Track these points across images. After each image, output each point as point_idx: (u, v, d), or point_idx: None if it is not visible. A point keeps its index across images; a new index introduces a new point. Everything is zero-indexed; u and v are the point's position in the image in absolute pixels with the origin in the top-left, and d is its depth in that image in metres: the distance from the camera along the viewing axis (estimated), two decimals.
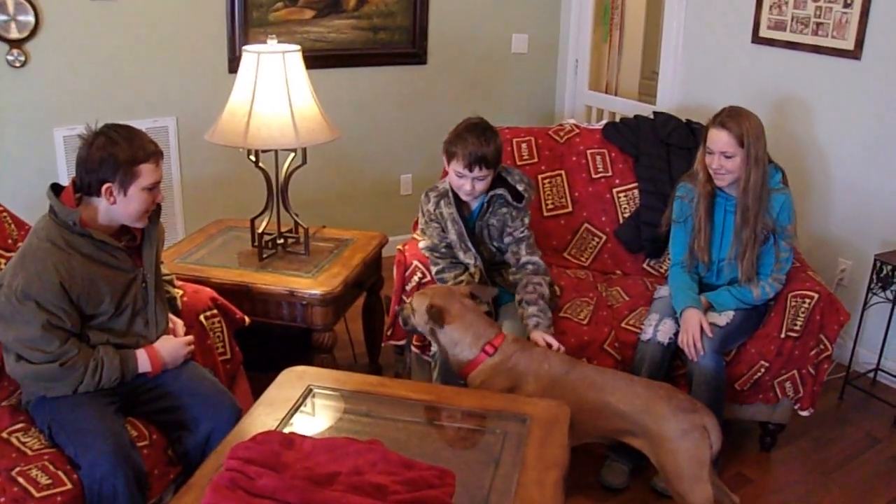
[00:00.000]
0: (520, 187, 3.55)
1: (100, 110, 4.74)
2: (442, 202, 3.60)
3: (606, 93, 6.53)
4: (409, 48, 5.77)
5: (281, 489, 2.13)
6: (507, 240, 3.57)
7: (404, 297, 3.71)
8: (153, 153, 2.81)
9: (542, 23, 6.26)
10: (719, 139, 3.42)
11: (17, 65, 4.58)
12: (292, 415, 2.71)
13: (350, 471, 2.22)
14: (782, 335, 3.53)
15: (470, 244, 3.56)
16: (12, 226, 3.34)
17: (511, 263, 3.60)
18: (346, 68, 5.53)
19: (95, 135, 2.77)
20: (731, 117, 3.43)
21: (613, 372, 3.24)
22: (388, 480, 2.20)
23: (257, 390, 3.32)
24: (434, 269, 3.63)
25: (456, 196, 3.55)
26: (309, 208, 4.06)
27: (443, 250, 3.62)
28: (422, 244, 3.70)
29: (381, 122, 5.84)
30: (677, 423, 2.96)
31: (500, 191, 3.51)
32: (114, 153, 2.71)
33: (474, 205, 3.58)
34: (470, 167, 3.38)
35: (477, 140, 3.37)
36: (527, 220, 3.58)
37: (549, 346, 3.28)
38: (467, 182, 3.43)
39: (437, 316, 3.11)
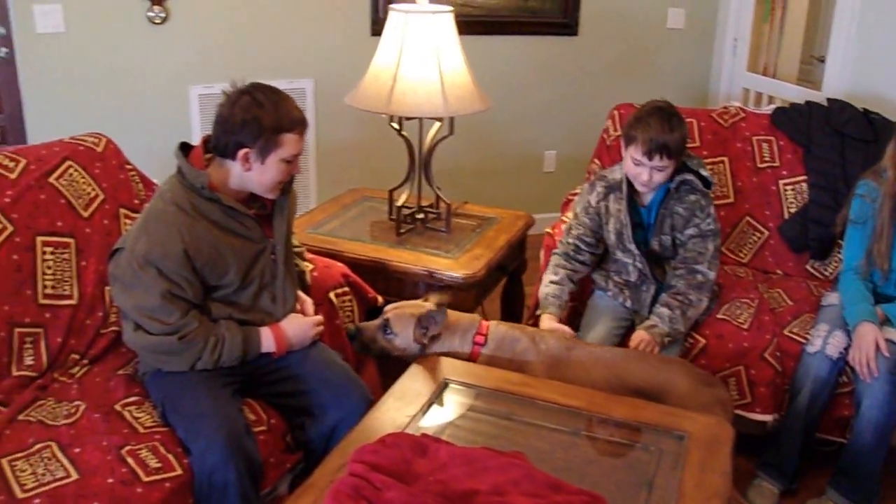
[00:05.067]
0: (703, 172, 3.25)
1: (237, 69, 4.59)
2: (612, 196, 3.31)
3: (765, 75, 6.12)
4: (561, 18, 5.51)
5: None
6: (689, 231, 3.25)
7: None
8: (299, 123, 2.60)
9: None
10: None
11: (158, 21, 4.58)
12: (424, 412, 2.47)
13: (490, 489, 1.96)
14: None
15: (630, 244, 3.28)
16: (140, 185, 3.25)
17: (680, 260, 3.28)
18: (492, 36, 5.33)
19: (241, 93, 2.57)
20: None
21: (620, 349, 3.13)
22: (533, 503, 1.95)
23: (386, 373, 3.13)
24: (547, 277, 3.37)
25: (629, 188, 3.26)
26: (446, 181, 3.87)
27: (577, 257, 3.39)
28: (559, 248, 3.45)
29: (526, 94, 5.60)
30: (699, 397, 2.74)
31: (688, 176, 3.22)
32: (258, 117, 2.51)
33: (648, 198, 3.28)
34: (649, 155, 3.07)
35: (660, 125, 3.06)
36: (713, 211, 3.28)
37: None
38: (644, 171, 3.12)
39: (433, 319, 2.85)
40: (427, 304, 2.92)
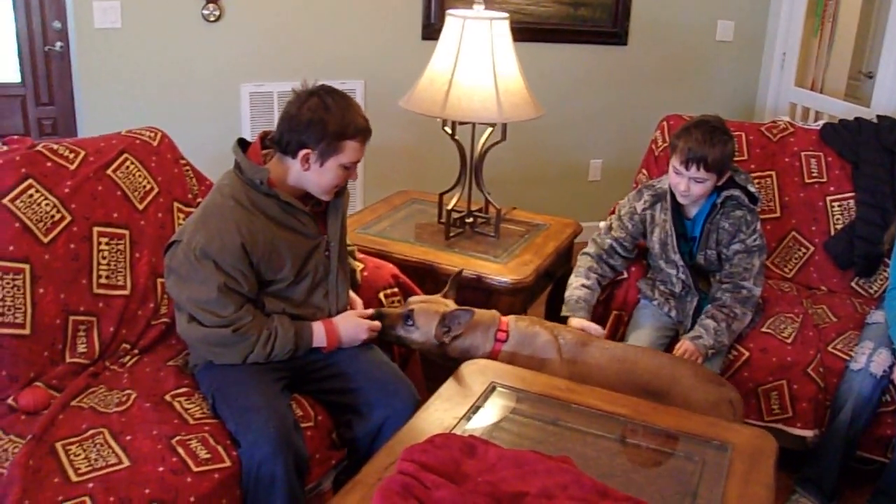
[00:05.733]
0: (751, 188, 3.26)
1: (288, 69, 4.73)
2: (658, 205, 3.34)
3: (812, 90, 6.09)
4: (610, 27, 5.50)
5: None
6: (735, 246, 3.27)
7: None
8: (363, 131, 2.63)
9: (751, 10, 5.86)
10: None
11: (212, 19, 4.61)
12: (472, 414, 2.49)
13: (539, 492, 1.98)
14: None
15: (675, 254, 3.29)
16: (193, 180, 3.30)
17: (725, 275, 3.29)
18: (541, 43, 5.31)
19: (310, 94, 2.60)
20: None
21: (633, 346, 3.16)
22: None
23: (428, 375, 3.17)
24: (577, 280, 3.37)
25: (674, 199, 3.27)
26: (492, 186, 3.88)
27: (610, 261, 3.42)
28: (590, 248, 3.46)
29: (573, 101, 5.59)
30: (705, 394, 2.82)
31: (735, 191, 3.23)
32: (324, 119, 2.54)
33: (693, 210, 3.30)
34: (686, 164, 3.09)
35: (702, 137, 3.08)
36: (759, 227, 3.29)
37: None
38: (682, 181, 3.14)
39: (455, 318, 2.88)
40: (450, 303, 2.96)
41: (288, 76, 4.75)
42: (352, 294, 2.98)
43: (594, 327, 3.15)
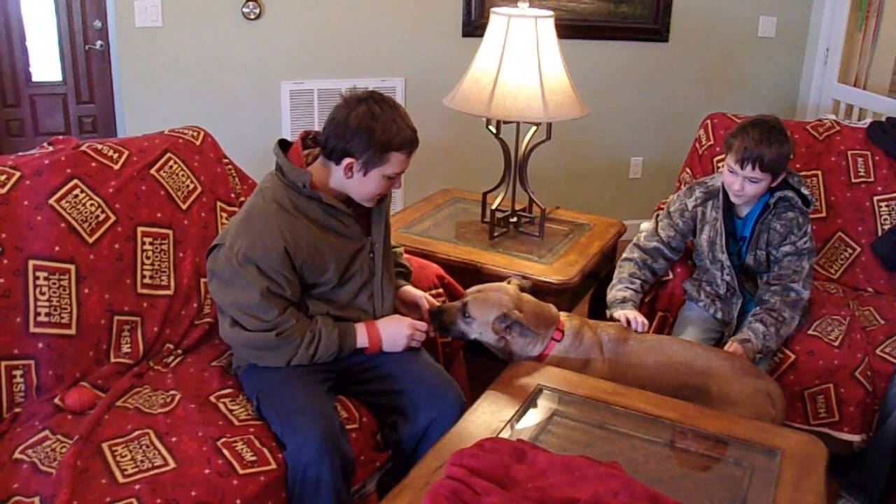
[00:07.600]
0: (804, 190, 3.22)
1: (328, 66, 4.72)
2: (710, 203, 3.30)
3: (855, 86, 6.01)
4: (651, 24, 5.44)
5: None
6: (785, 248, 3.23)
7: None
8: (409, 143, 2.60)
9: (793, 5, 5.77)
10: None
11: (252, 17, 4.61)
12: (519, 417, 2.47)
13: (590, 498, 1.95)
14: None
15: (722, 254, 3.26)
16: (236, 179, 3.31)
17: (774, 277, 3.25)
18: (582, 40, 5.25)
19: (359, 101, 2.55)
20: None
21: (669, 337, 3.20)
22: None
23: (475, 375, 3.16)
24: (622, 283, 3.32)
25: (726, 198, 3.24)
26: (533, 184, 3.85)
27: (654, 265, 3.38)
28: (633, 253, 3.41)
29: (614, 99, 5.54)
30: (741, 385, 2.80)
31: (789, 192, 3.19)
32: (371, 129, 2.51)
33: (745, 210, 3.26)
34: (742, 163, 3.05)
35: (759, 137, 3.04)
36: (809, 229, 3.25)
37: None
38: (737, 181, 3.10)
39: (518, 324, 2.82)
40: (511, 289, 2.92)
41: (328, 74, 4.74)
42: (414, 290, 2.96)
43: (641, 320, 3.13)
